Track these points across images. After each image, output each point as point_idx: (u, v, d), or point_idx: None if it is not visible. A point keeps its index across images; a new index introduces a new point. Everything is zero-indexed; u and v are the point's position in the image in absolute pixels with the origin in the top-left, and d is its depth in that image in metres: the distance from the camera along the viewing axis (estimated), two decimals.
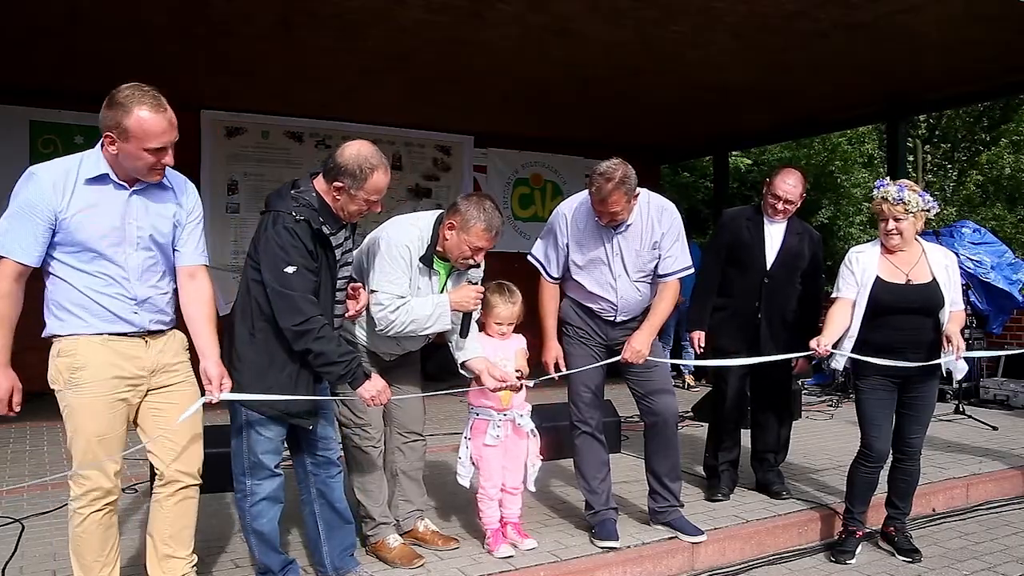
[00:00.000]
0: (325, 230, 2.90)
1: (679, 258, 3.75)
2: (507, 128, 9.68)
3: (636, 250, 3.68)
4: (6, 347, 2.59)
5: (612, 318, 3.77)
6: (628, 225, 3.65)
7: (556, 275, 3.84)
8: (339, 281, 3.06)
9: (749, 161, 15.43)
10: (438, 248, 3.36)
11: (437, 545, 3.55)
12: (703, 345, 4.43)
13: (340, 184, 2.91)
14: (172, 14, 5.60)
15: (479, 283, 3.47)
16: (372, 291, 3.30)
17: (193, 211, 2.85)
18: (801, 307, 4.37)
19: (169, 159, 2.65)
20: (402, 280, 3.29)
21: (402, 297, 3.28)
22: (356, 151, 2.91)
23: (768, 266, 4.31)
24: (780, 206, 4.26)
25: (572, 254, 3.75)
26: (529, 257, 3.91)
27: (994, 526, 4.36)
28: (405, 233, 3.36)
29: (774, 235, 4.34)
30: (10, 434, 5.96)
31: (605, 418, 5.04)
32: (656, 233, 3.68)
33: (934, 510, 4.55)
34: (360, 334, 3.43)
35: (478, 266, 3.45)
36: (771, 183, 4.32)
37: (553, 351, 3.77)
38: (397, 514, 3.59)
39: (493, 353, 3.52)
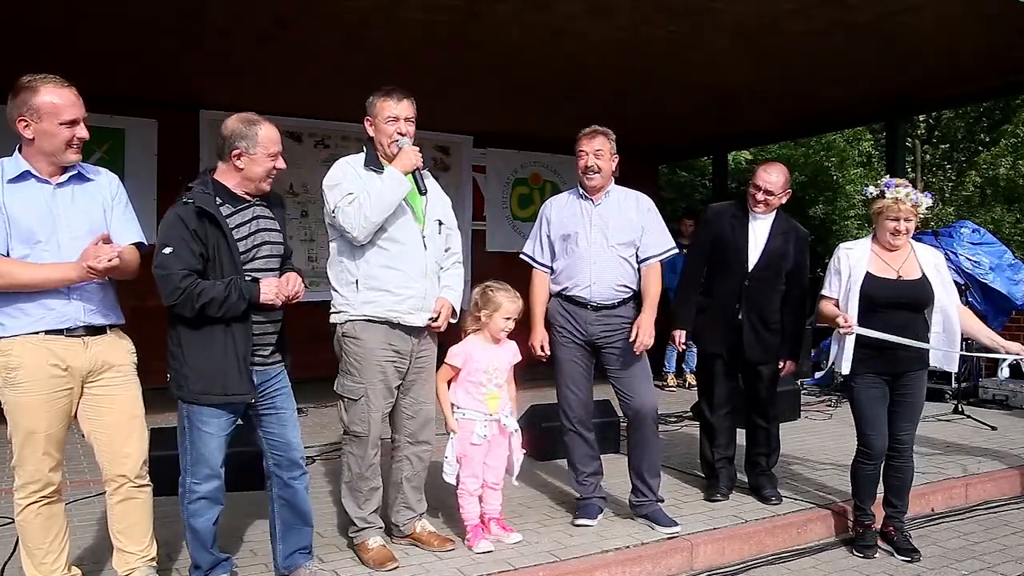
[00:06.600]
0: (224, 211, 2.93)
1: (659, 240, 3.95)
2: (506, 128, 9.67)
3: (612, 222, 3.88)
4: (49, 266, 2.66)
5: (588, 297, 3.86)
6: (607, 194, 3.92)
7: (544, 262, 4.02)
8: (251, 253, 2.98)
9: (749, 155, 15.44)
10: (377, 153, 3.40)
11: (434, 546, 3.55)
12: (684, 342, 4.44)
13: (238, 150, 2.97)
14: (172, 14, 5.59)
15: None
16: (332, 212, 3.33)
17: (117, 195, 2.90)
18: (785, 310, 4.29)
19: (83, 132, 2.71)
20: (349, 183, 3.32)
21: (351, 193, 3.29)
22: (235, 119, 3.02)
23: (750, 268, 4.21)
24: (760, 196, 4.19)
25: (552, 233, 3.96)
26: (521, 256, 4.11)
27: (993, 526, 4.36)
28: (342, 160, 3.47)
29: (758, 235, 4.24)
30: (7, 434, 5.94)
31: (605, 418, 5.11)
32: (631, 210, 3.93)
33: (933, 510, 4.55)
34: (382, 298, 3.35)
35: (405, 134, 3.42)
36: (754, 174, 4.31)
37: (539, 335, 3.94)
38: (398, 520, 3.60)
39: (488, 362, 3.58)
